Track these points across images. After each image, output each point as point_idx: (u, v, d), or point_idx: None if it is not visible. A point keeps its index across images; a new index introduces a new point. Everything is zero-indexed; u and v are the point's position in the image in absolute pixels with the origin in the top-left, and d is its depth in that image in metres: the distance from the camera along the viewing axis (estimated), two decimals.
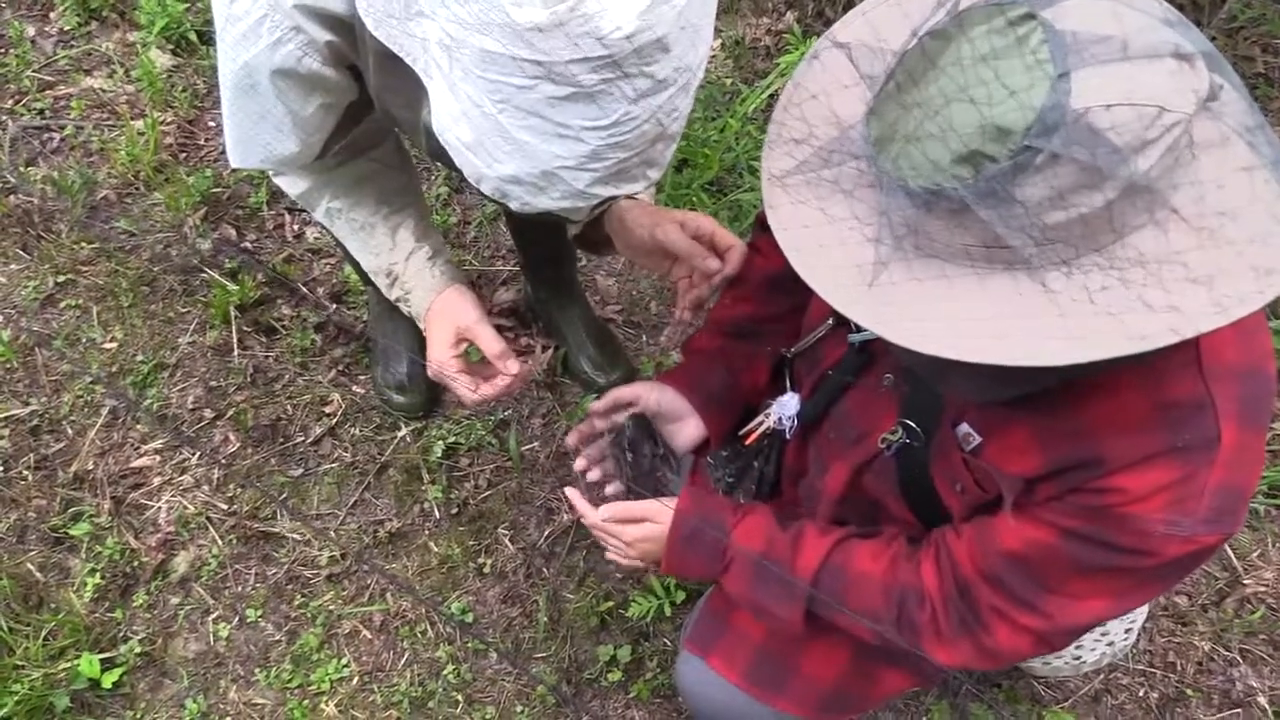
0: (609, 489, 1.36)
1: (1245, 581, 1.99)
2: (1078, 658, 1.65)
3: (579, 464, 1.40)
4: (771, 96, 2.30)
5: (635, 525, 1.26)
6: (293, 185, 1.41)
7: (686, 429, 1.40)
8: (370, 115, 1.27)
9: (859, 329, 1.15)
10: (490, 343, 1.34)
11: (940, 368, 0.83)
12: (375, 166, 1.43)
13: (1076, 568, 0.97)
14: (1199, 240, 0.74)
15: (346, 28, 1.06)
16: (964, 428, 1.03)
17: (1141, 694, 1.89)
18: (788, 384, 1.33)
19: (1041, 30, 0.72)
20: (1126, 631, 1.64)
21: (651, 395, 1.38)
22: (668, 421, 1.40)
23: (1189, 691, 1.89)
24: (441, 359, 1.36)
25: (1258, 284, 0.73)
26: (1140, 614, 1.69)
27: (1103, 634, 1.63)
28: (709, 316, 1.48)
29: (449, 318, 1.38)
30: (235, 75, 1.13)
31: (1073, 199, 0.72)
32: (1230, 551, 2.01)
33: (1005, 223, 0.74)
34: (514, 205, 0.96)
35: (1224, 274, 0.73)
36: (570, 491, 1.34)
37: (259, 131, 1.20)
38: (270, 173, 1.42)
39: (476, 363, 1.40)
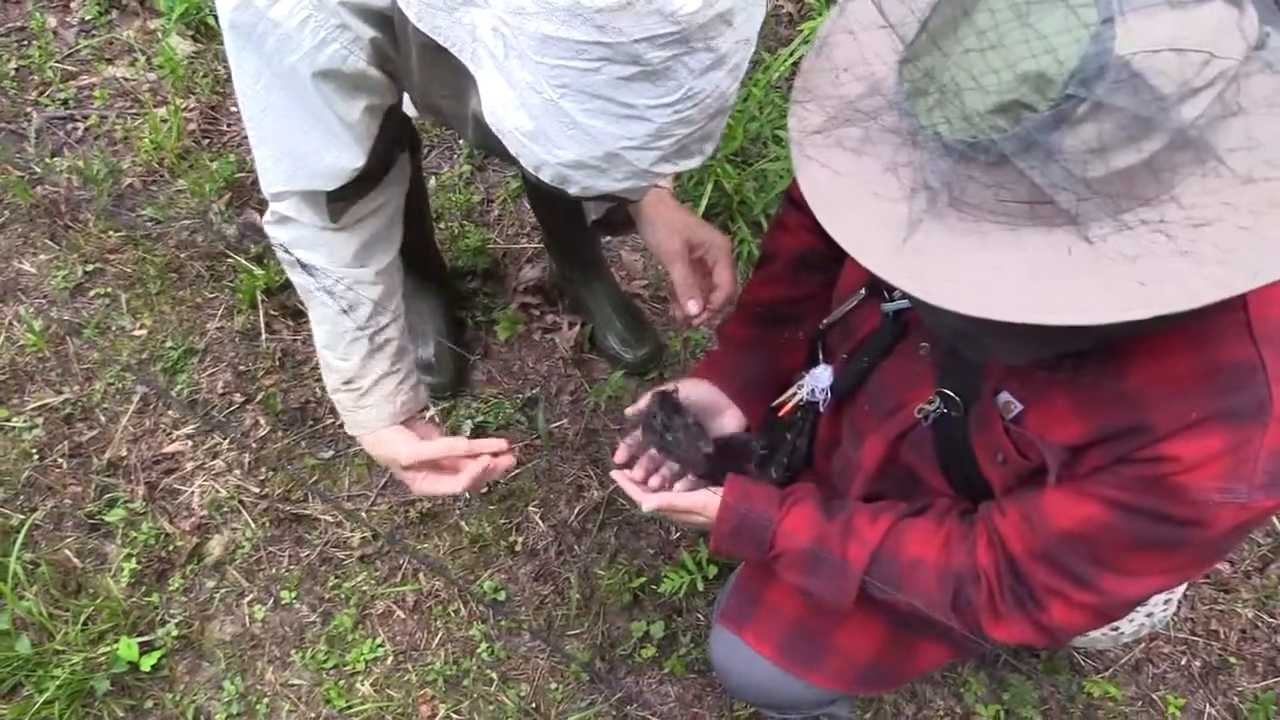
0: (678, 485, 1.34)
1: None
2: (1116, 629, 1.62)
3: (620, 455, 1.38)
4: (795, 64, 2.26)
5: (685, 515, 1.26)
6: (293, 242, 1.29)
7: (726, 421, 1.39)
8: (381, 196, 1.26)
9: (892, 298, 1.12)
10: (434, 448, 1.34)
11: (975, 330, 0.80)
12: (384, 270, 1.35)
13: (1131, 544, 0.94)
14: (1249, 194, 0.71)
15: (387, 22, 1.04)
16: (1004, 395, 1.00)
17: (1183, 662, 1.87)
18: (820, 356, 1.30)
19: None
20: (1166, 602, 1.61)
21: (688, 391, 1.37)
22: (707, 416, 1.38)
23: (1232, 660, 1.86)
24: (410, 481, 1.37)
25: None
26: (1178, 587, 1.66)
27: (1140, 604, 1.60)
28: (739, 299, 1.46)
29: (388, 460, 1.39)
30: (280, 82, 1.08)
31: (1117, 150, 0.69)
32: (1275, 518, 1.97)
33: (1046, 176, 0.71)
34: (573, 190, 0.94)
35: (1271, 232, 0.70)
36: (619, 476, 1.33)
37: (309, 141, 1.14)
38: (265, 219, 1.30)
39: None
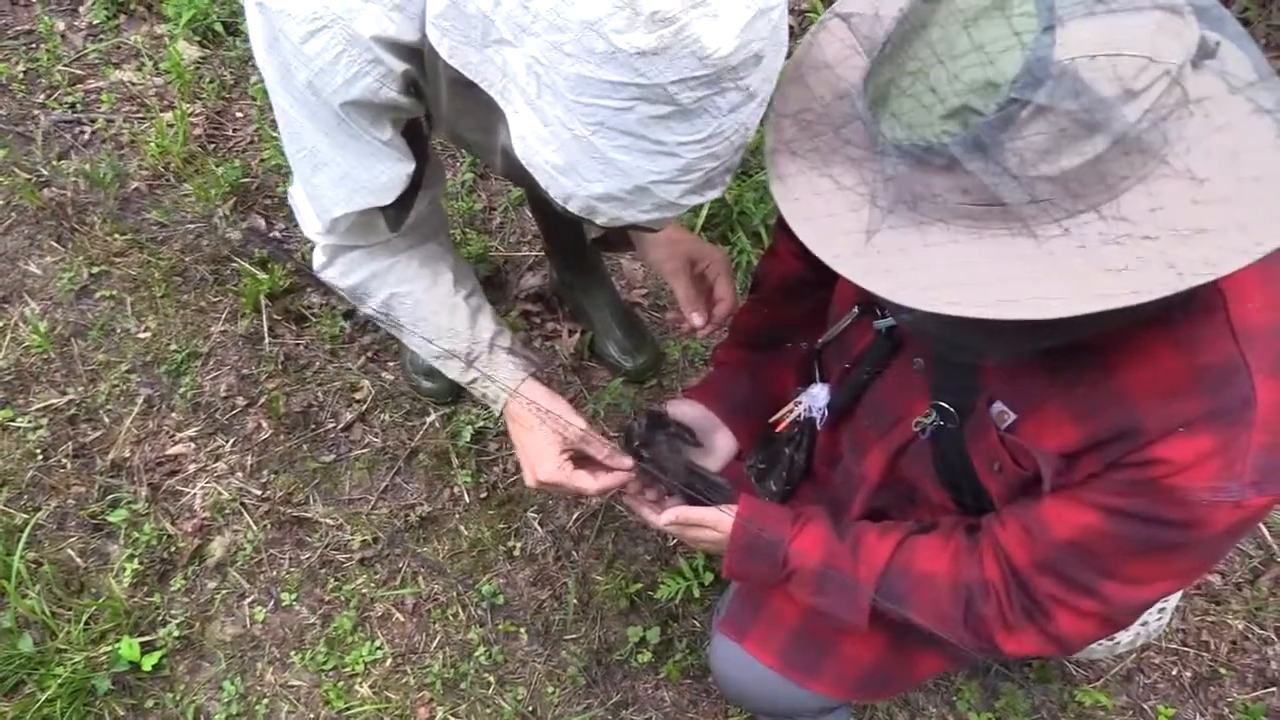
0: (668, 500, 1.36)
1: None
2: (1113, 638, 1.63)
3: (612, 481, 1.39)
4: None
5: (697, 529, 1.28)
6: (349, 274, 1.33)
7: (718, 442, 1.43)
8: (428, 190, 1.27)
9: (884, 315, 1.15)
10: (601, 449, 1.34)
11: (946, 330, 0.83)
12: (442, 250, 1.40)
13: (1130, 549, 0.96)
14: (1194, 194, 0.74)
15: (418, 56, 1.06)
16: (998, 405, 1.02)
17: (1174, 673, 1.88)
18: (816, 375, 1.32)
19: None
20: (1160, 611, 1.62)
21: (680, 411, 1.41)
22: (702, 435, 1.41)
23: (1222, 670, 1.88)
24: (554, 469, 1.32)
25: (1253, 237, 0.72)
26: (1174, 594, 1.68)
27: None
28: (731, 324, 1.49)
29: (543, 430, 1.34)
30: (319, 113, 1.10)
31: (1062, 151, 0.72)
32: (1265, 530, 1.99)
33: (995, 176, 0.74)
34: (600, 220, 0.96)
35: (1219, 228, 0.73)
36: (629, 498, 1.36)
37: (358, 163, 1.16)
38: (317, 267, 1.35)
39: (578, 456, 1.36)
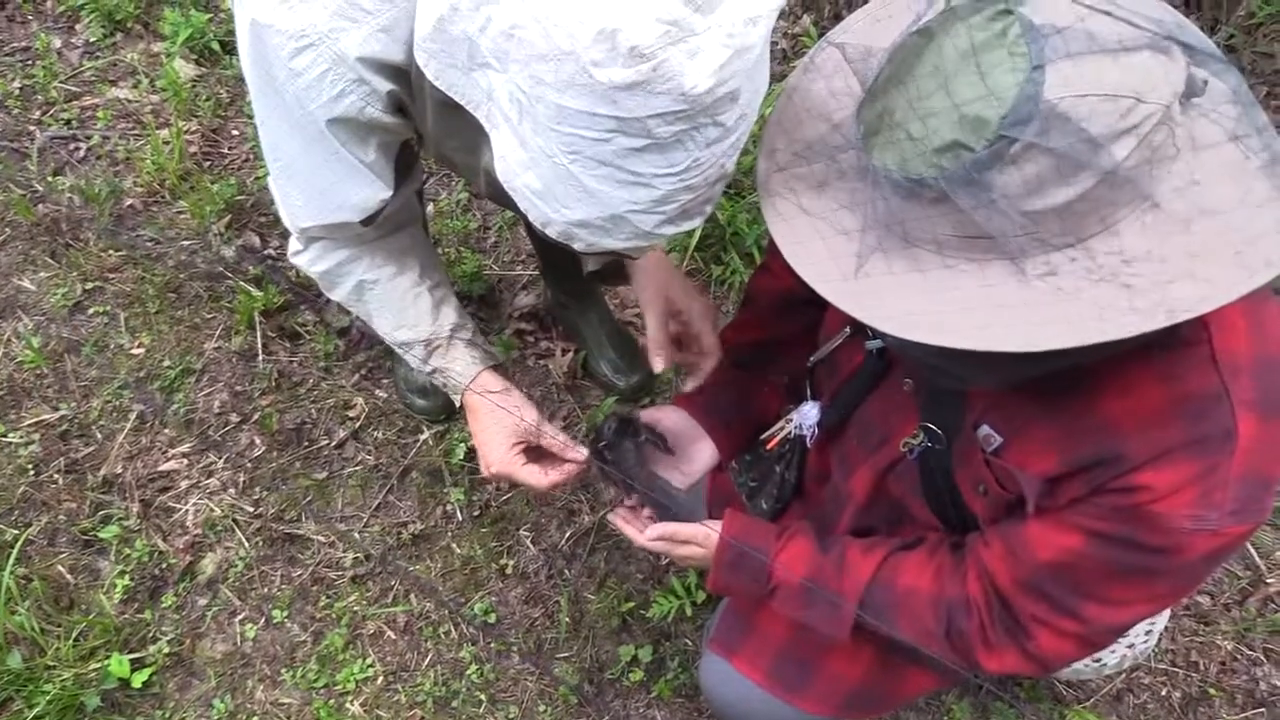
0: (645, 512, 1.37)
1: (1269, 580, 1.98)
2: (1099, 660, 1.64)
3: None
4: None
5: (683, 546, 1.29)
6: (320, 260, 1.36)
7: (702, 451, 1.44)
8: (405, 188, 1.29)
9: (875, 335, 1.16)
10: (554, 438, 1.37)
11: (939, 357, 0.84)
12: (413, 241, 1.43)
13: (1111, 572, 0.98)
14: (1180, 231, 0.75)
15: (404, 76, 1.08)
16: (985, 429, 1.04)
17: (1164, 693, 1.89)
18: (808, 392, 1.34)
19: (1019, 24, 0.74)
20: (1147, 633, 1.63)
21: (668, 418, 1.42)
22: (683, 444, 1.43)
23: (1212, 691, 1.89)
24: (503, 459, 1.36)
25: (1237, 275, 0.73)
26: (1161, 616, 1.68)
27: (1122, 636, 1.63)
28: (721, 339, 1.50)
29: (499, 420, 1.37)
30: (300, 127, 1.13)
31: (1049, 188, 0.74)
32: (1253, 550, 2.01)
33: (984, 211, 0.76)
34: (578, 245, 0.98)
35: (1205, 266, 0.74)
36: (615, 517, 1.37)
37: (335, 181, 1.19)
38: (291, 253, 1.38)
39: (532, 452, 1.39)
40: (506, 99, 0.90)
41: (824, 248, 0.86)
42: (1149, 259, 0.75)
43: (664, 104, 0.83)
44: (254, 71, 1.11)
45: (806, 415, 1.31)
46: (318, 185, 1.20)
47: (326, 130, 1.11)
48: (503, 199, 1.02)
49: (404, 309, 1.40)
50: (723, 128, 0.88)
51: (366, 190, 1.21)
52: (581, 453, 1.36)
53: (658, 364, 1.43)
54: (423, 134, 1.18)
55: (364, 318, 1.44)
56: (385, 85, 1.08)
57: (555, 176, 0.90)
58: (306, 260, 1.36)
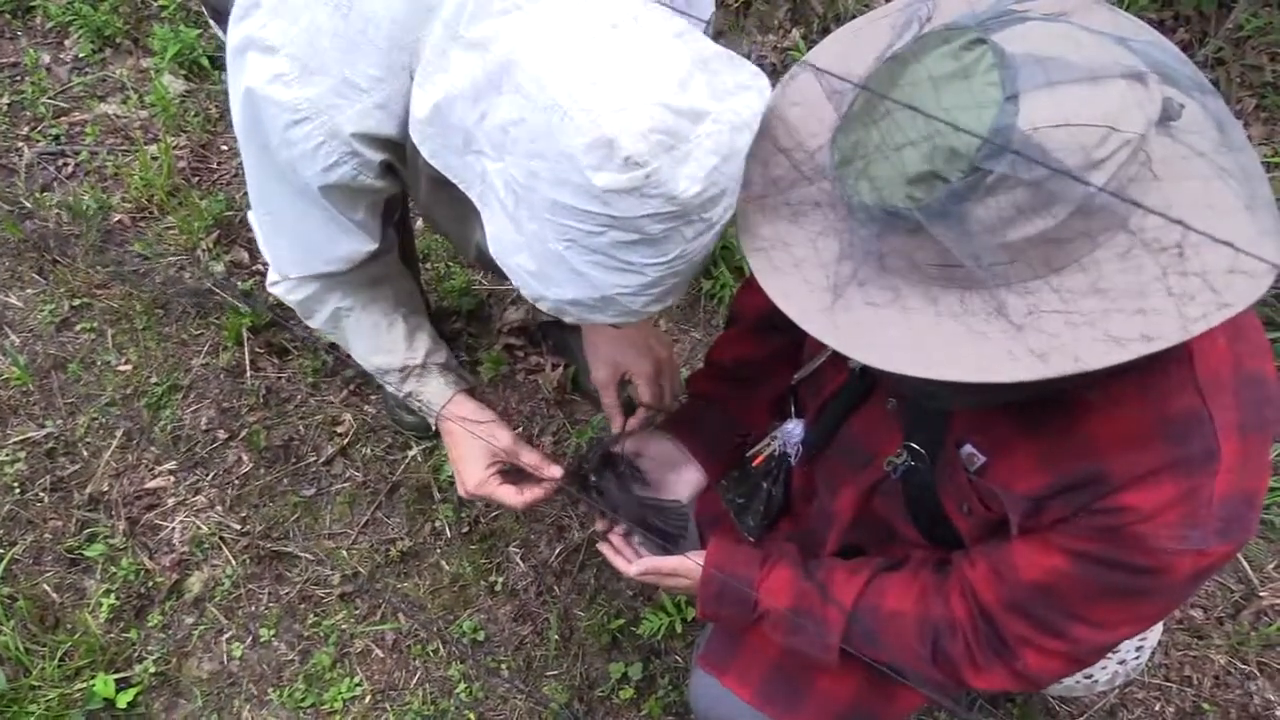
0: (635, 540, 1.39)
1: (1261, 594, 1.97)
2: (1090, 677, 1.63)
3: (600, 523, 1.43)
4: None
5: (669, 578, 1.31)
6: (295, 290, 1.37)
7: (687, 475, 1.44)
8: (388, 231, 1.32)
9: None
10: (530, 457, 1.40)
11: (919, 381, 0.84)
12: (388, 270, 1.45)
13: (1096, 592, 0.97)
14: (1155, 261, 0.75)
15: (398, 147, 1.10)
16: (968, 449, 1.03)
17: (1157, 708, 1.88)
18: (792, 410, 1.33)
19: (992, 54, 0.73)
20: (1138, 650, 1.62)
21: (651, 447, 1.43)
22: (668, 470, 1.43)
23: (1206, 706, 1.88)
24: (479, 480, 1.40)
25: (1213, 304, 0.73)
26: (1153, 633, 1.67)
27: (1113, 652, 1.62)
28: (707, 356, 1.50)
29: (474, 442, 1.40)
30: (292, 188, 1.16)
31: (1025, 219, 0.73)
32: (1245, 564, 2.00)
33: (958, 242, 0.75)
34: (568, 319, 1.02)
35: (1180, 295, 0.73)
36: (604, 547, 1.39)
37: (323, 237, 1.23)
38: (269, 283, 1.40)
39: (508, 472, 1.43)
40: (502, 185, 0.94)
41: (801, 279, 0.86)
42: (1126, 288, 0.74)
43: (656, 205, 0.87)
44: (250, 138, 1.13)
45: (791, 433, 1.31)
46: (305, 240, 1.25)
47: (319, 194, 1.14)
48: (492, 268, 1.06)
49: (378, 336, 1.43)
50: (709, 223, 0.92)
51: (354, 244, 1.25)
52: (556, 470, 1.38)
53: (615, 428, 1.50)
54: (413, 197, 1.21)
55: (341, 344, 1.47)
56: (379, 156, 1.11)
57: (548, 259, 0.94)
58: (283, 290, 1.38)
